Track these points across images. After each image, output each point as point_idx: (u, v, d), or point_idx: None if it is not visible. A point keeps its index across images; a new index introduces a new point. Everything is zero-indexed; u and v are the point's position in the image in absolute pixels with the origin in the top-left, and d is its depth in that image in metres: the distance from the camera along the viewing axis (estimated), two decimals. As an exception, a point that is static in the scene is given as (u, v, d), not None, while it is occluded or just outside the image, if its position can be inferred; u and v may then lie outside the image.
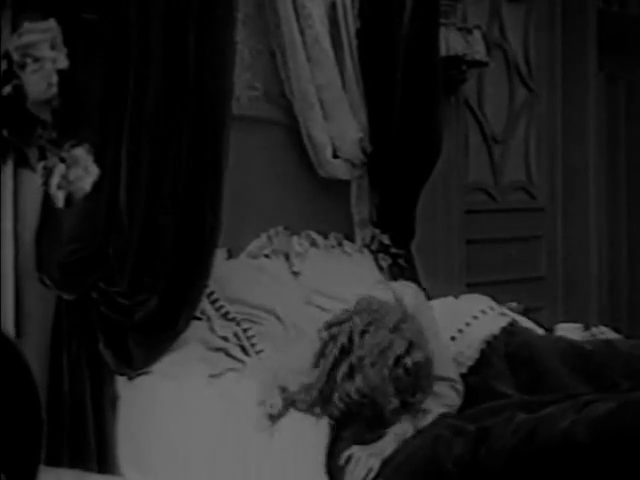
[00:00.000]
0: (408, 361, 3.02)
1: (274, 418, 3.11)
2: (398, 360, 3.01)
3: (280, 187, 4.32)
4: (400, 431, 3.06)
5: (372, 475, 2.92)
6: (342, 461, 2.96)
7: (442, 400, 3.24)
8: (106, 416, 3.46)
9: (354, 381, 3.03)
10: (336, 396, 3.06)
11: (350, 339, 3.06)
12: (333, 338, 3.11)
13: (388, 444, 2.99)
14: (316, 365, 3.13)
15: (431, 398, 3.17)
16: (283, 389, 3.17)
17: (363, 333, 3.06)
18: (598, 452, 2.74)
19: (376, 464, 2.93)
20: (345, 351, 3.06)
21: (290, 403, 3.12)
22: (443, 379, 3.28)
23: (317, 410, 3.06)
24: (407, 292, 3.35)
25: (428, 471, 2.85)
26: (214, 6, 3.54)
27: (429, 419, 3.12)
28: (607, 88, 6.36)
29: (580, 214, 6.09)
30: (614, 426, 2.78)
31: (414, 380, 3.04)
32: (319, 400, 3.07)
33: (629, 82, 6.54)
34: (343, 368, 3.04)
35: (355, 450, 2.97)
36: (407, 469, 2.89)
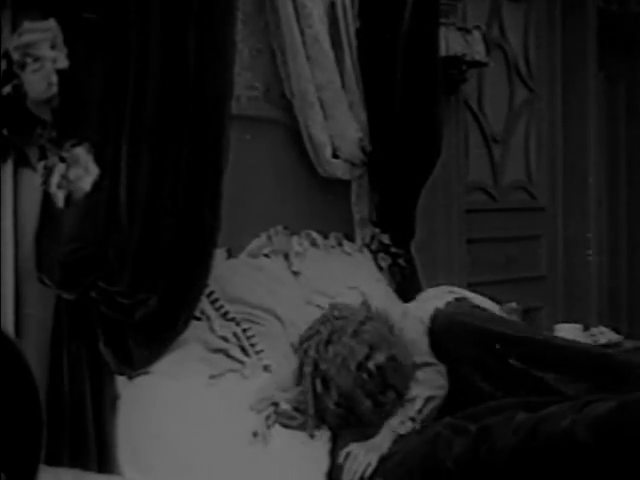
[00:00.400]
0: (370, 365, 3.11)
1: (266, 434, 3.16)
2: (360, 366, 3.10)
3: (280, 187, 4.31)
4: (395, 423, 3.12)
5: (370, 470, 2.94)
6: (341, 459, 2.99)
7: (429, 384, 3.28)
8: (106, 416, 3.45)
9: (330, 392, 3.08)
10: (324, 412, 3.12)
11: (318, 351, 3.13)
12: (306, 353, 3.18)
13: (385, 439, 3.03)
14: (298, 383, 3.18)
15: (417, 384, 3.24)
16: (275, 405, 3.22)
17: (327, 344, 3.14)
18: (599, 451, 2.75)
19: (374, 459, 2.96)
20: (317, 366, 3.13)
21: (283, 420, 3.16)
22: (426, 364, 3.32)
23: (310, 428, 3.11)
24: (375, 295, 3.40)
25: (427, 468, 2.87)
26: (214, 6, 3.54)
27: (418, 404, 3.18)
28: (607, 88, 6.37)
29: (580, 214, 6.09)
30: (614, 425, 2.78)
31: (380, 380, 3.13)
32: (311, 419, 3.12)
33: (629, 82, 6.55)
34: (318, 383, 3.11)
35: (353, 447, 3.00)
36: (406, 467, 2.91)
